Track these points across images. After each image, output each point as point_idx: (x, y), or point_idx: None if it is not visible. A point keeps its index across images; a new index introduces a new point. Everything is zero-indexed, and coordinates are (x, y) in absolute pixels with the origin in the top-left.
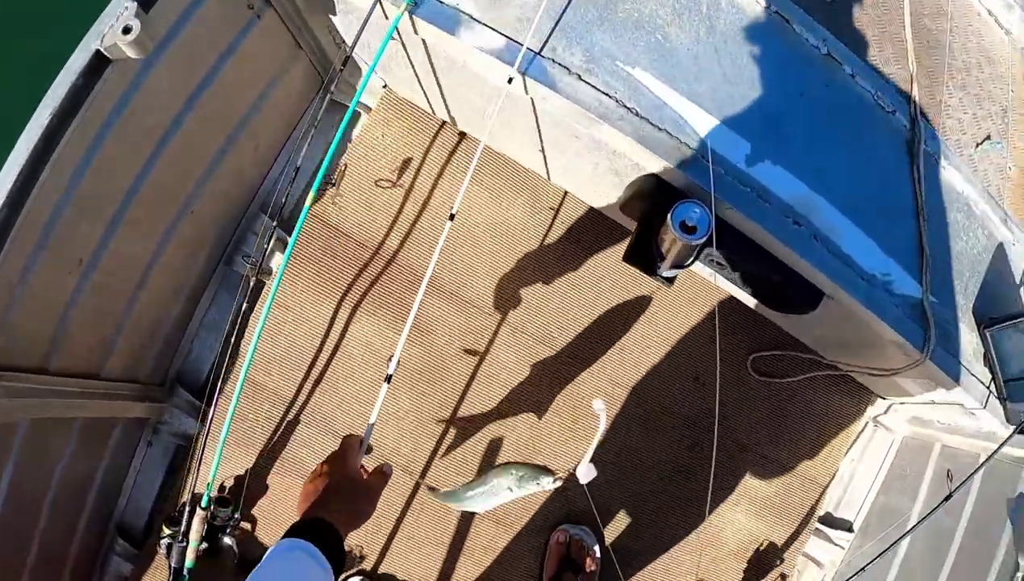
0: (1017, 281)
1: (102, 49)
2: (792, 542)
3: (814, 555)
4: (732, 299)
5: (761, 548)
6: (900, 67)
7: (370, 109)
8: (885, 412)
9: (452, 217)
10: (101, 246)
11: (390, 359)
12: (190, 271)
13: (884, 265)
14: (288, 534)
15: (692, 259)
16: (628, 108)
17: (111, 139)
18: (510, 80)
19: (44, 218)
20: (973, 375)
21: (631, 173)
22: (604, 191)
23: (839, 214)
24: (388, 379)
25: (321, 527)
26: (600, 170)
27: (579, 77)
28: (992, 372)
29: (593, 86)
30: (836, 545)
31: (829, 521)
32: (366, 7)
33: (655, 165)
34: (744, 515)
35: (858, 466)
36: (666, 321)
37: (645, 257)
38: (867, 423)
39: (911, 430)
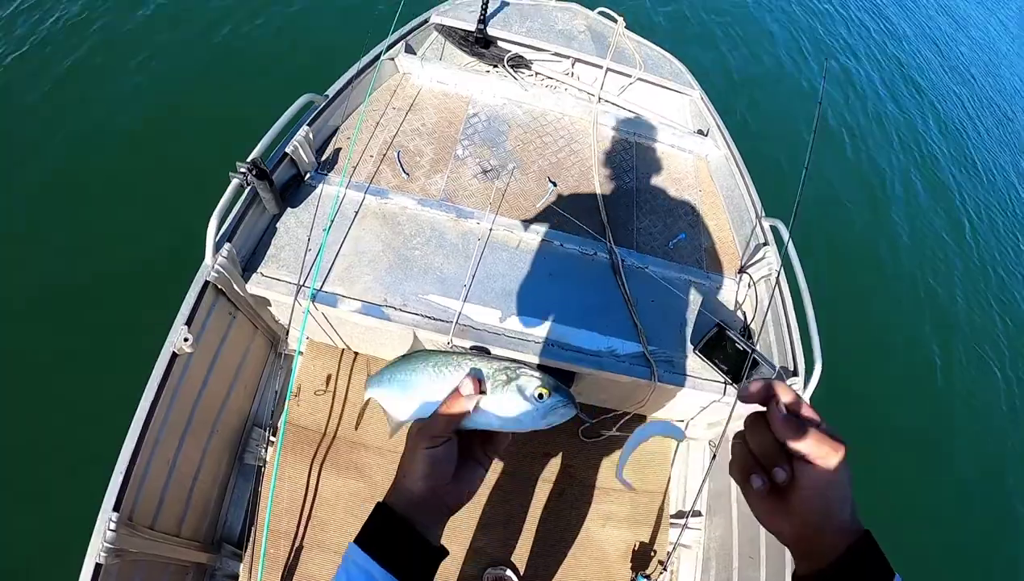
0: (726, 307)
1: (175, 350)
2: (655, 538)
3: (682, 541)
4: None
5: (636, 549)
6: (598, 222)
7: (302, 353)
8: (686, 428)
9: None
10: (177, 453)
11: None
12: (220, 466)
13: (607, 343)
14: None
15: None
16: (428, 317)
17: (178, 396)
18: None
19: (153, 440)
20: (703, 379)
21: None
22: None
23: (567, 326)
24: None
25: (387, 520)
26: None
27: (401, 310)
28: (718, 371)
29: (408, 311)
30: (693, 529)
31: (681, 515)
32: (289, 302)
33: (454, 339)
34: (615, 530)
35: (687, 471)
36: None
37: None
38: (678, 442)
39: (713, 432)
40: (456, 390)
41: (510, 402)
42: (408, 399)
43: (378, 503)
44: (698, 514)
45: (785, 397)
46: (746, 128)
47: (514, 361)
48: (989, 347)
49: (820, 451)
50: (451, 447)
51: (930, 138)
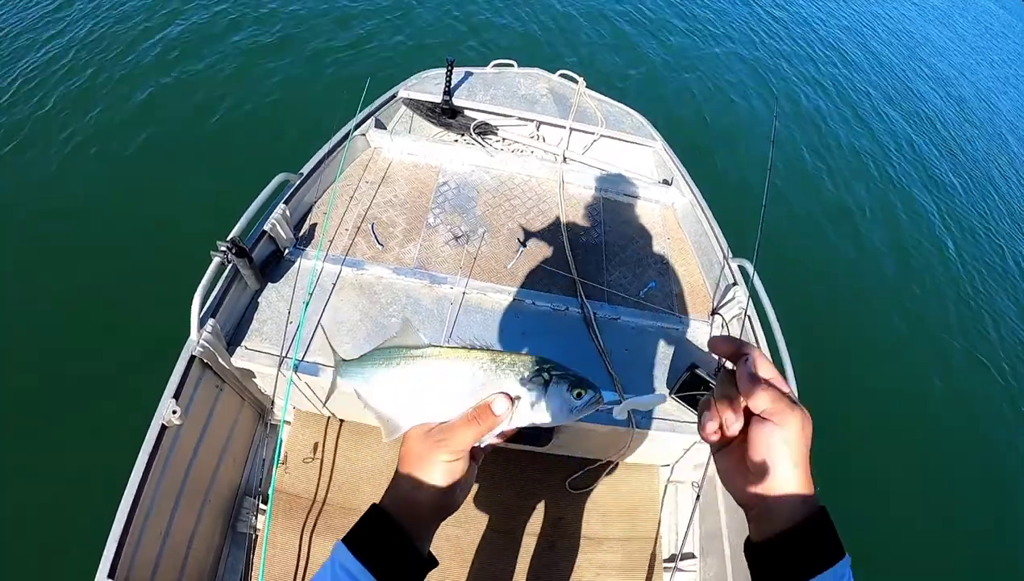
0: (700, 350)
1: (164, 423)
2: None
3: None
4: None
5: None
6: (568, 278)
7: (289, 422)
8: (672, 473)
9: None
10: (170, 522)
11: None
12: (214, 535)
13: None
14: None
15: None
16: None
17: (169, 467)
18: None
19: (146, 509)
20: (682, 421)
21: None
22: None
23: None
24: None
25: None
26: None
27: None
28: (694, 412)
29: None
30: (687, 572)
31: (673, 559)
32: (273, 373)
33: None
34: (608, 580)
35: (677, 515)
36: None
37: None
38: (665, 486)
39: (697, 474)
40: (487, 406)
41: (548, 405)
42: (401, 395)
43: (374, 505)
44: (691, 556)
45: (756, 357)
46: (711, 171)
47: (510, 353)
48: (984, 348)
49: (776, 408)
50: (468, 458)
51: (900, 155)
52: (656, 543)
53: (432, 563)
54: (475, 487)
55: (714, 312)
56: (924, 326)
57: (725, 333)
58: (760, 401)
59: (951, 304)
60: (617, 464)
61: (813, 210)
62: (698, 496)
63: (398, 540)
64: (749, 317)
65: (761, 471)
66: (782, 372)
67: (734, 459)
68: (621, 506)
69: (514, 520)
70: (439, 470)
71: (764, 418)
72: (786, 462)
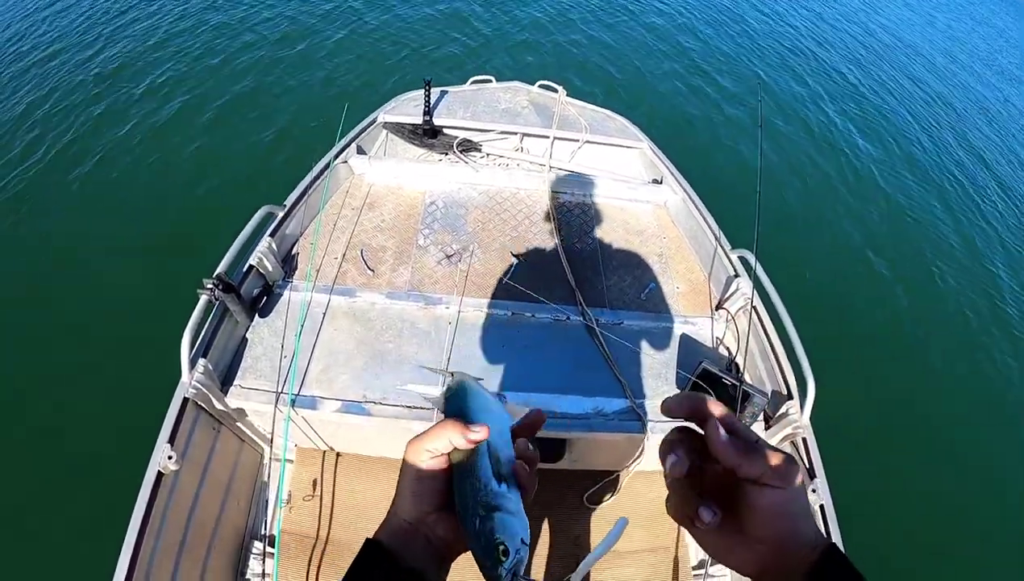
0: (707, 347)
1: (160, 469)
2: None
3: None
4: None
5: None
6: (567, 287)
7: (291, 460)
8: None
9: None
10: (175, 575)
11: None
12: None
13: (593, 404)
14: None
15: None
16: (409, 407)
17: (169, 515)
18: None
19: (146, 563)
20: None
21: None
22: None
23: (551, 394)
24: None
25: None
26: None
27: (380, 403)
28: None
29: (388, 404)
30: (718, 577)
31: (703, 565)
32: (270, 411)
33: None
34: None
35: None
36: None
37: None
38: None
39: None
40: (467, 425)
41: None
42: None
43: (367, 539)
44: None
45: (718, 412)
46: (701, 166)
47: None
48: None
49: (776, 470)
50: (441, 466)
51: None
52: (678, 550)
53: None
54: None
55: (718, 306)
56: (942, 304)
57: (731, 326)
58: (755, 467)
59: (974, 276)
60: (633, 474)
61: (810, 192)
62: None
63: (389, 567)
64: (755, 308)
65: (775, 537)
66: (797, 366)
67: (730, 534)
68: (641, 516)
69: (533, 540)
70: (408, 472)
71: (762, 483)
72: (800, 516)
